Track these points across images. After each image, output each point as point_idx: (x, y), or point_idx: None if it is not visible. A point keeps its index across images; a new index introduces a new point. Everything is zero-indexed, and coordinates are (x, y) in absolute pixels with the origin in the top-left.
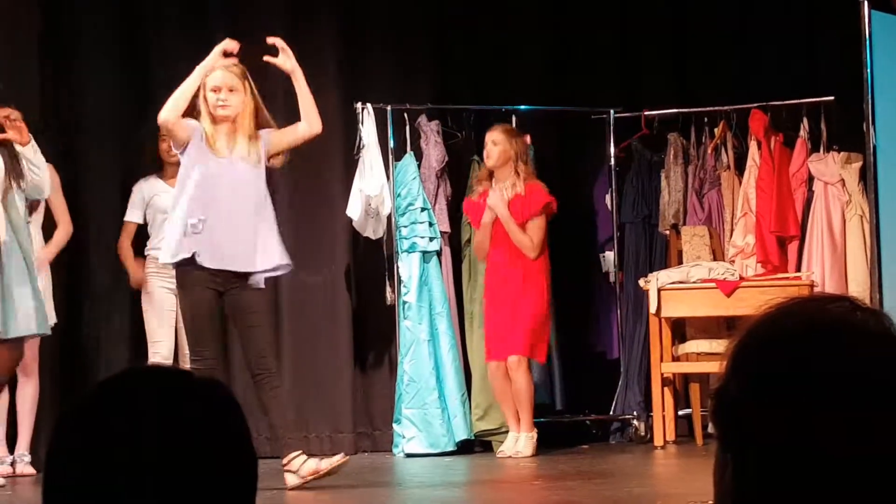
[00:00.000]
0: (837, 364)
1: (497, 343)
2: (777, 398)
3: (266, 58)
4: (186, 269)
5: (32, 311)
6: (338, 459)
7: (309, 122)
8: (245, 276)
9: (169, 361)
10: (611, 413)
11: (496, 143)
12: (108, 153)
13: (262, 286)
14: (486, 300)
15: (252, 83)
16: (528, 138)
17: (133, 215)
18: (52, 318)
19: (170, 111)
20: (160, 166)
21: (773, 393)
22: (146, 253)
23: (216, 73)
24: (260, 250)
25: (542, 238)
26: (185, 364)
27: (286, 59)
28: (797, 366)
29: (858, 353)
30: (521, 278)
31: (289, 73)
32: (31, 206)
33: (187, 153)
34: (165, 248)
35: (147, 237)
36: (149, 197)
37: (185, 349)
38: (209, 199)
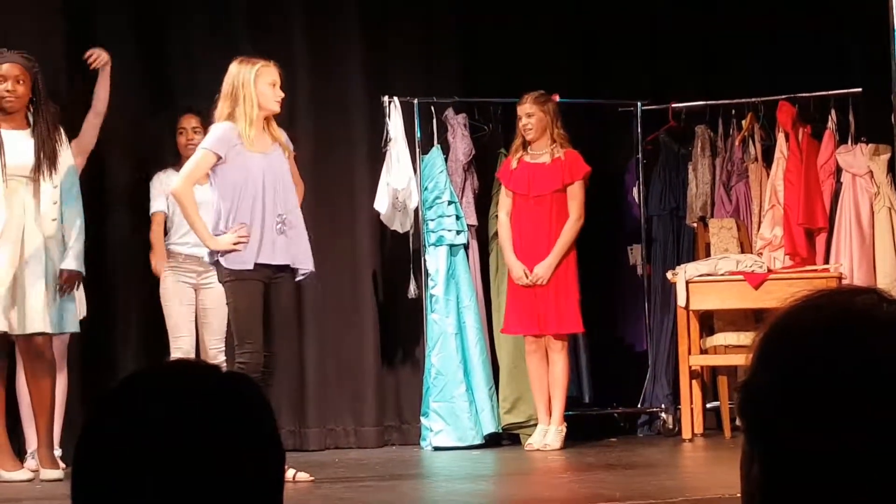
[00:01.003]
0: (865, 358)
1: (531, 317)
2: (804, 392)
3: None
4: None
5: (42, 309)
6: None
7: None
8: (287, 268)
9: (191, 356)
10: (639, 406)
11: (531, 115)
12: (126, 147)
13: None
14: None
15: None
16: (556, 97)
17: (158, 205)
18: (82, 312)
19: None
20: (178, 159)
21: (800, 386)
22: (167, 247)
23: (270, 68)
24: (307, 248)
25: (583, 202)
26: (206, 358)
27: None
28: (825, 359)
29: (887, 346)
30: (550, 248)
31: None
32: None
33: (226, 160)
34: (237, 258)
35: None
36: (168, 188)
37: (207, 343)
38: (259, 196)
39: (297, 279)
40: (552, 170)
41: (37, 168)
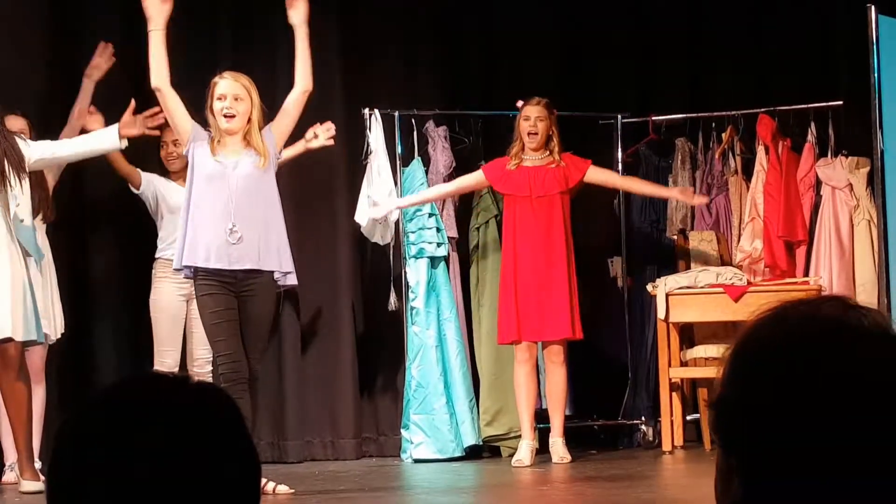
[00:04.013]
0: (834, 365)
1: (530, 323)
2: (776, 404)
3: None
4: (201, 276)
5: (9, 316)
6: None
7: (302, 79)
8: (255, 276)
9: (174, 370)
10: (619, 418)
11: (542, 119)
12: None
13: (287, 283)
14: (512, 278)
15: (257, 94)
16: (555, 112)
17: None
18: (60, 327)
19: (154, 75)
20: (165, 173)
21: (771, 399)
22: (157, 256)
23: (223, 81)
24: (268, 250)
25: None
26: (193, 371)
27: (297, 14)
28: (793, 370)
29: (856, 352)
30: (557, 256)
31: (295, 26)
32: (40, 210)
33: (192, 159)
34: (177, 254)
35: (155, 236)
36: (159, 191)
37: (195, 354)
38: (221, 204)
39: (278, 280)
40: (555, 172)
41: (2, 177)
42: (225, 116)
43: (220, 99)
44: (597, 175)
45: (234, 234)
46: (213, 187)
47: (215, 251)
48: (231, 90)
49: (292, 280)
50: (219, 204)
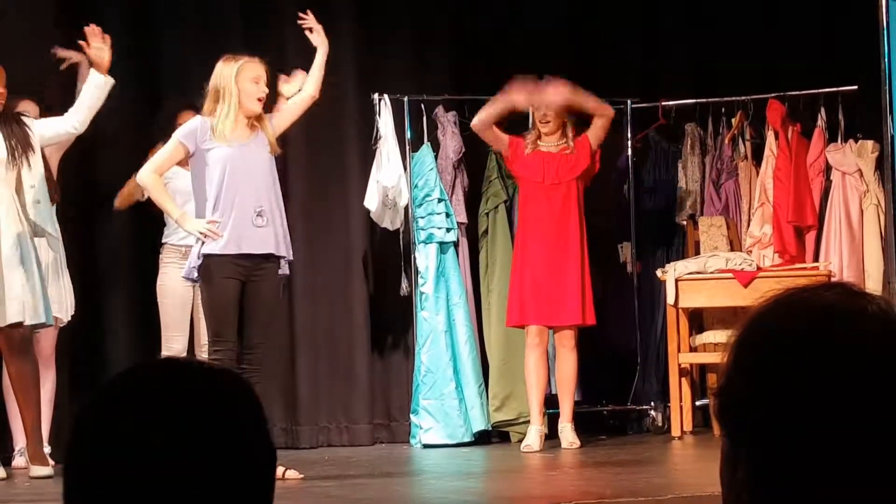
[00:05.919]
0: (840, 352)
1: (541, 306)
2: (782, 394)
3: (307, 29)
4: (211, 258)
5: (21, 300)
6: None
7: (312, 86)
8: (266, 261)
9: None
10: (628, 403)
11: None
12: (120, 145)
13: (286, 272)
14: (525, 260)
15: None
16: None
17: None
18: (71, 309)
19: (151, 174)
20: None
21: (777, 388)
22: (163, 241)
23: (254, 63)
24: (280, 236)
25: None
26: (200, 356)
27: (317, 36)
28: (799, 358)
29: (861, 339)
30: (570, 242)
31: (316, 46)
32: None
33: (203, 155)
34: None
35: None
36: (165, 178)
37: (202, 339)
38: (230, 190)
39: (280, 271)
40: (569, 159)
41: (11, 157)
42: (258, 100)
43: (254, 81)
44: (594, 139)
45: (261, 216)
46: (232, 170)
47: (246, 236)
48: (263, 75)
49: (286, 269)
50: (241, 186)
